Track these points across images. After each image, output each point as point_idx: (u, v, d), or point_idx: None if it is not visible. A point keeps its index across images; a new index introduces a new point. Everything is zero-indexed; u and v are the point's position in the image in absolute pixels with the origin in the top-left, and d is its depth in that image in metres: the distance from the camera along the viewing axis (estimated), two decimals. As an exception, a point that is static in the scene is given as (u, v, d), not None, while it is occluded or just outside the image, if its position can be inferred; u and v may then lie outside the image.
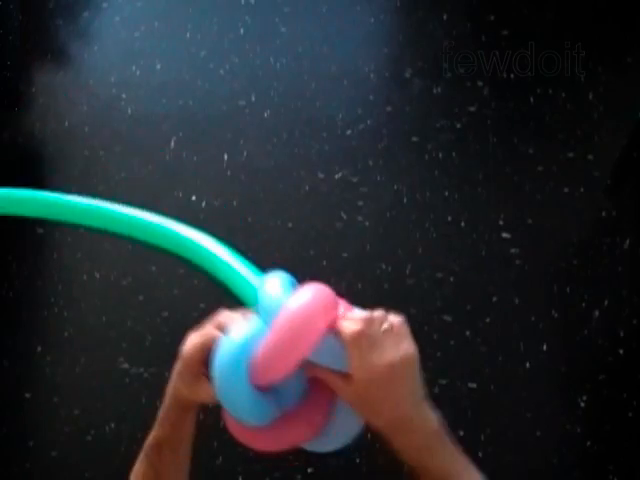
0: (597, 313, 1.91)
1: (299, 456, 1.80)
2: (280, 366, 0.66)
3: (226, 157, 2.14)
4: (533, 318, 1.91)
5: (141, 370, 1.85)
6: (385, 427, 0.68)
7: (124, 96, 2.24)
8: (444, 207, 2.05)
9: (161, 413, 0.80)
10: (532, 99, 2.19)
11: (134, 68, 2.29)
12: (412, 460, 0.68)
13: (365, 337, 0.65)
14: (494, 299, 1.94)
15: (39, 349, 1.91)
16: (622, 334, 1.89)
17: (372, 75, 2.26)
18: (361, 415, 0.69)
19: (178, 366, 0.76)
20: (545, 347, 1.88)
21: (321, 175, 2.10)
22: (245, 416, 0.69)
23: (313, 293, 0.68)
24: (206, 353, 0.72)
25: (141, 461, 0.81)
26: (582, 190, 2.06)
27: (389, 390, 0.65)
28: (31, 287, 1.99)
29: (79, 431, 1.81)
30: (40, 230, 2.06)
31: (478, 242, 2.00)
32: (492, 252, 1.99)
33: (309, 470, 1.76)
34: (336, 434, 0.72)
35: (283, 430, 0.70)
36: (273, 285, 0.70)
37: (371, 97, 2.22)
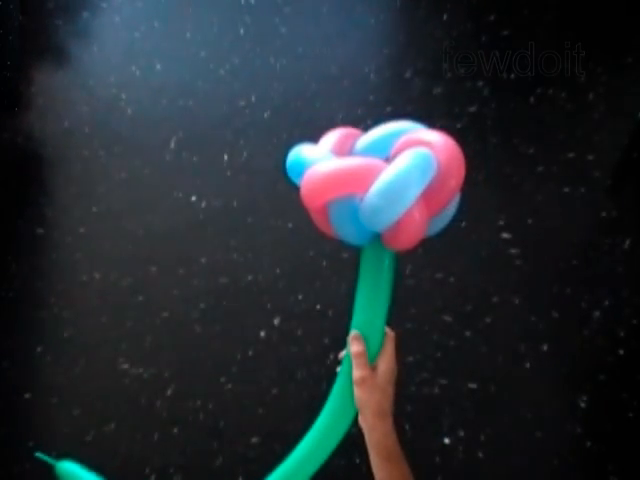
0: (597, 313, 1.91)
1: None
2: None
3: (226, 157, 2.14)
4: (533, 318, 1.91)
5: (141, 370, 1.85)
6: (375, 415, 0.81)
7: (124, 96, 2.24)
8: (444, 207, 2.05)
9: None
10: (532, 99, 2.19)
11: (134, 68, 2.29)
12: (382, 460, 0.81)
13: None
14: (494, 299, 1.94)
15: (39, 349, 1.91)
16: (622, 334, 1.89)
17: (372, 75, 2.26)
18: (365, 401, 0.82)
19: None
20: (545, 347, 1.88)
21: (321, 175, 2.10)
22: None
23: None
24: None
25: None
26: (582, 190, 2.06)
27: (391, 385, 0.83)
28: (31, 287, 1.99)
29: (79, 431, 1.81)
30: (40, 230, 2.06)
31: (478, 242, 2.00)
32: (492, 252, 1.99)
33: (309, 470, 1.76)
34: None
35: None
36: None
37: (371, 97, 2.22)
